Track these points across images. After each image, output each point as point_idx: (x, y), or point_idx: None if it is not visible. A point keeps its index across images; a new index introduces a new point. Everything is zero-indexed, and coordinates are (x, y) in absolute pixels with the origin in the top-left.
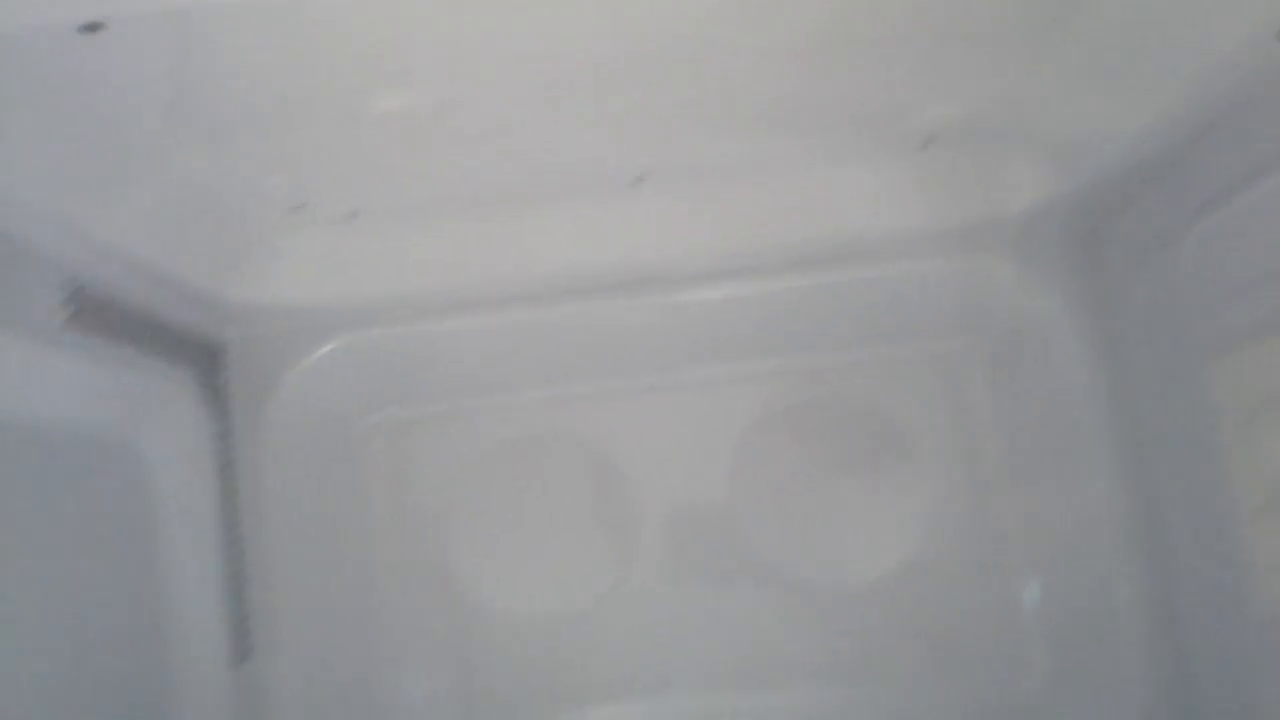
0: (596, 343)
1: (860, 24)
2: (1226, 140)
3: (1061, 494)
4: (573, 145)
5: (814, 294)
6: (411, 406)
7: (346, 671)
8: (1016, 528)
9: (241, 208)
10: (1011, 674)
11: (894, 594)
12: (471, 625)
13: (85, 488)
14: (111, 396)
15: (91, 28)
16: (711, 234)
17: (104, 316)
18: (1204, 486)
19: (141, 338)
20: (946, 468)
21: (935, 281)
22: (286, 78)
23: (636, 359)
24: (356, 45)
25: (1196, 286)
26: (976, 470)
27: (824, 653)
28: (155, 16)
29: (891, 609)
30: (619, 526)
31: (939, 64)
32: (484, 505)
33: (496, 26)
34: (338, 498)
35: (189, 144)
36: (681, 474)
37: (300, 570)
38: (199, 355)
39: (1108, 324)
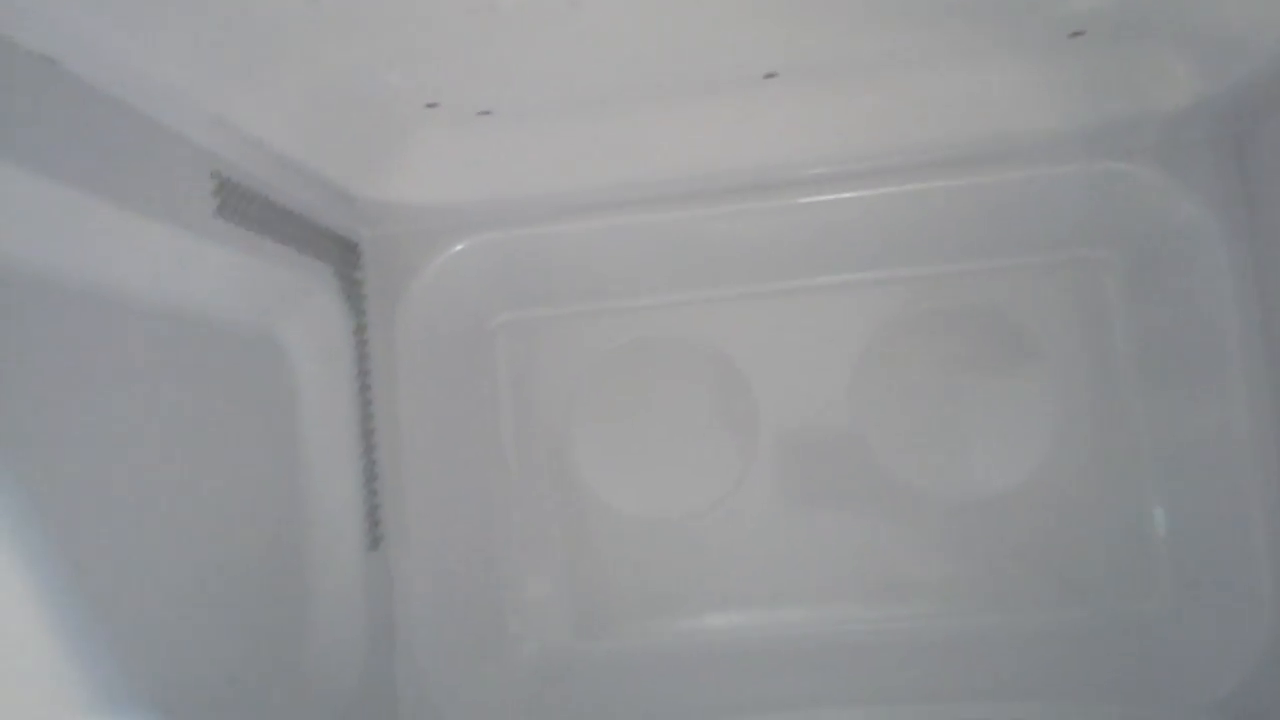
0: (721, 246)
1: None
2: None
3: (1197, 409)
4: (705, 39)
5: (945, 198)
6: (537, 308)
7: (470, 562)
8: (1147, 443)
9: (377, 105)
10: (1134, 594)
11: (1017, 508)
12: (589, 524)
13: (234, 376)
14: (256, 288)
15: None
16: (841, 135)
17: (248, 209)
18: None
19: (283, 232)
20: (1077, 379)
21: (1074, 186)
22: None
23: (761, 263)
24: None
25: None
26: (1108, 382)
27: (942, 568)
28: None
29: (1013, 524)
30: (739, 432)
31: None
32: (606, 406)
33: None
34: (464, 395)
35: (329, 38)
36: (804, 380)
37: (428, 465)
38: (337, 251)
39: (1254, 233)
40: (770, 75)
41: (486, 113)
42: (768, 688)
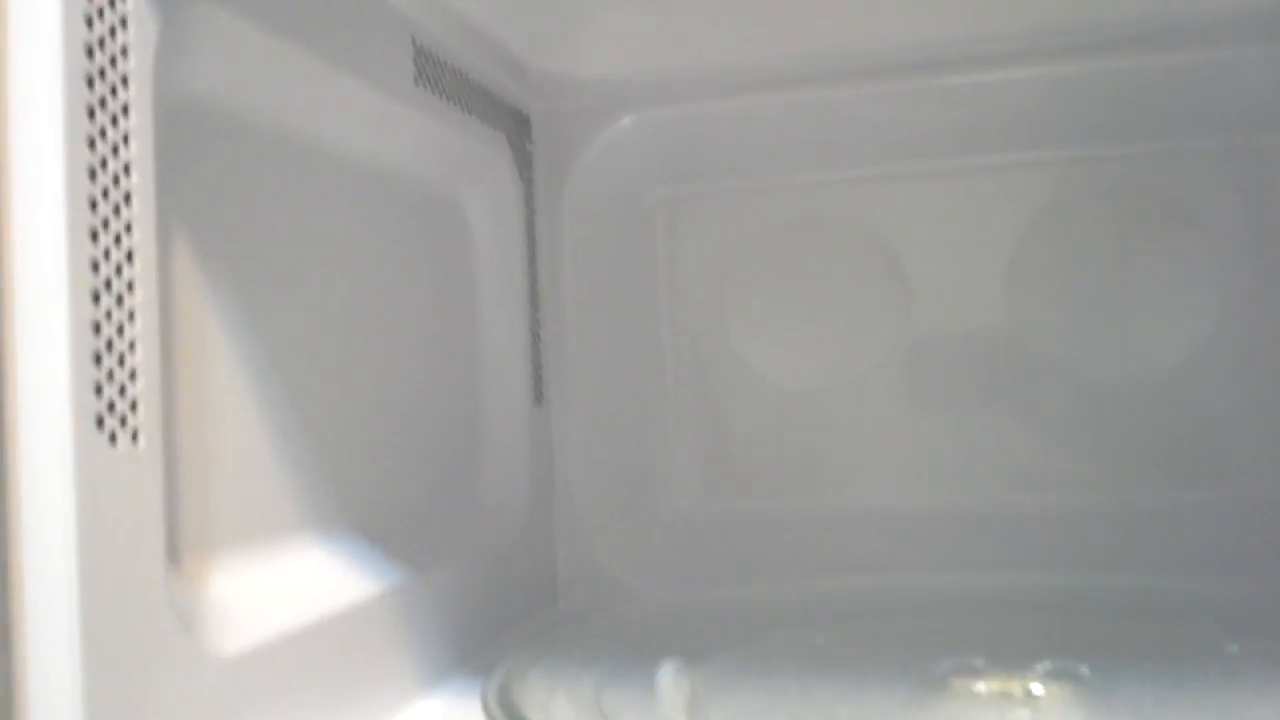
0: (880, 125)
1: None
2: None
3: None
4: None
5: (1113, 78)
6: (698, 183)
7: (624, 423)
8: None
9: None
10: (1270, 477)
11: (1169, 393)
12: (737, 393)
13: (421, 236)
14: (443, 154)
15: None
16: (1004, 10)
17: (440, 77)
18: None
19: (467, 101)
20: (1240, 268)
21: (1251, 69)
22: None
23: (920, 143)
24: None
25: None
26: (1272, 273)
27: (1086, 451)
28: None
29: (1164, 408)
30: (890, 307)
31: None
32: (759, 281)
33: None
34: (623, 267)
35: None
36: (960, 261)
37: (587, 330)
38: (511, 123)
39: None
40: None
41: None
42: (900, 553)
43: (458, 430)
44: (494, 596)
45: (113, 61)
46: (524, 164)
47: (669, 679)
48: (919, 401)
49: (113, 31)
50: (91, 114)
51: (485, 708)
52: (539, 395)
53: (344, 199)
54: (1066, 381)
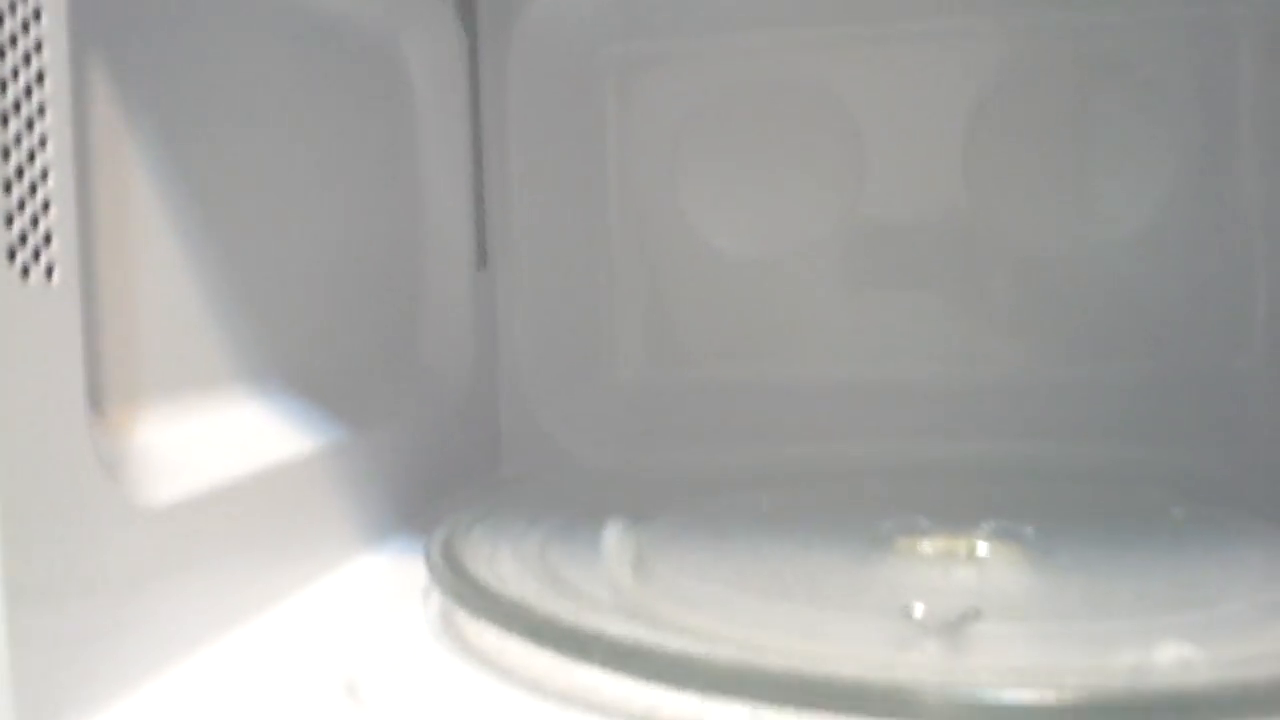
0: None
1: None
2: None
3: None
4: None
5: None
6: (651, 42)
7: (571, 288)
8: (1259, 210)
9: None
10: (1227, 350)
11: (1119, 264)
12: (687, 261)
13: (357, 86)
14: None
15: None
16: None
17: None
18: None
19: None
20: (1196, 141)
21: None
22: None
23: (880, 4)
24: None
25: None
26: (1228, 148)
27: (1037, 320)
28: None
29: (1114, 279)
30: (845, 173)
31: None
32: (713, 144)
33: None
34: (572, 125)
35: None
36: (916, 129)
37: (534, 191)
38: None
39: None
40: None
41: None
42: (844, 422)
43: (398, 290)
44: (436, 459)
45: None
46: (468, 15)
47: (614, 537)
48: (869, 272)
49: None
50: None
51: (429, 562)
52: (483, 258)
53: (277, 43)
54: (1016, 254)
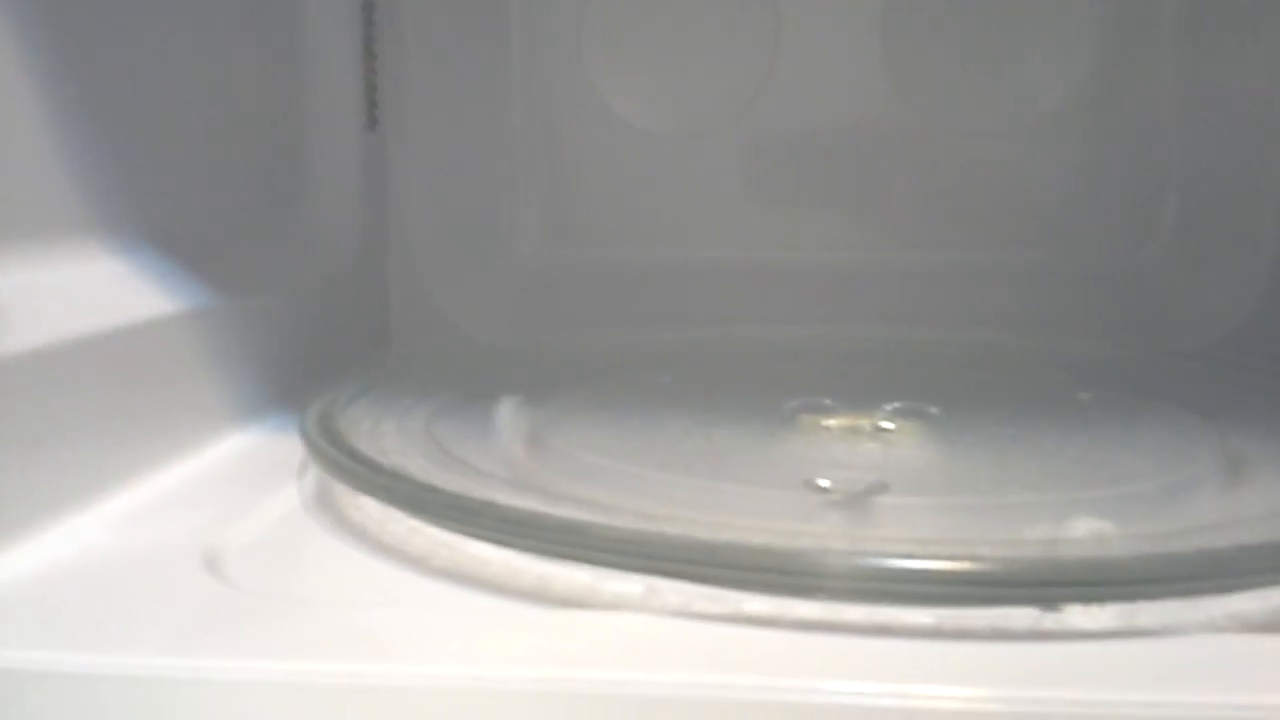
0: None
1: None
2: None
3: (1236, 55)
4: None
5: None
6: None
7: (468, 158)
8: (1177, 92)
9: None
10: (1136, 239)
11: (1026, 152)
12: (594, 135)
13: None
14: None
15: None
16: None
17: None
18: None
19: None
20: (1114, 18)
21: None
22: None
23: None
24: None
25: None
26: (1149, 27)
27: (945, 203)
28: None
29: (1022, 166)
30: (760, 45)
31: None
32: (622, 10)
33: None
34: None
35: None
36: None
37: (429, 52)
38: None
39: None
40: None
41: None
42: (749, 306)
43: (279, 150)
44: (319, 332)
45: None
46: None
47: (508, 413)
48: (777, 154)
49: None
50: None
51: (303, 432)
52: (372, 119)
53: None
54: (928, 138)
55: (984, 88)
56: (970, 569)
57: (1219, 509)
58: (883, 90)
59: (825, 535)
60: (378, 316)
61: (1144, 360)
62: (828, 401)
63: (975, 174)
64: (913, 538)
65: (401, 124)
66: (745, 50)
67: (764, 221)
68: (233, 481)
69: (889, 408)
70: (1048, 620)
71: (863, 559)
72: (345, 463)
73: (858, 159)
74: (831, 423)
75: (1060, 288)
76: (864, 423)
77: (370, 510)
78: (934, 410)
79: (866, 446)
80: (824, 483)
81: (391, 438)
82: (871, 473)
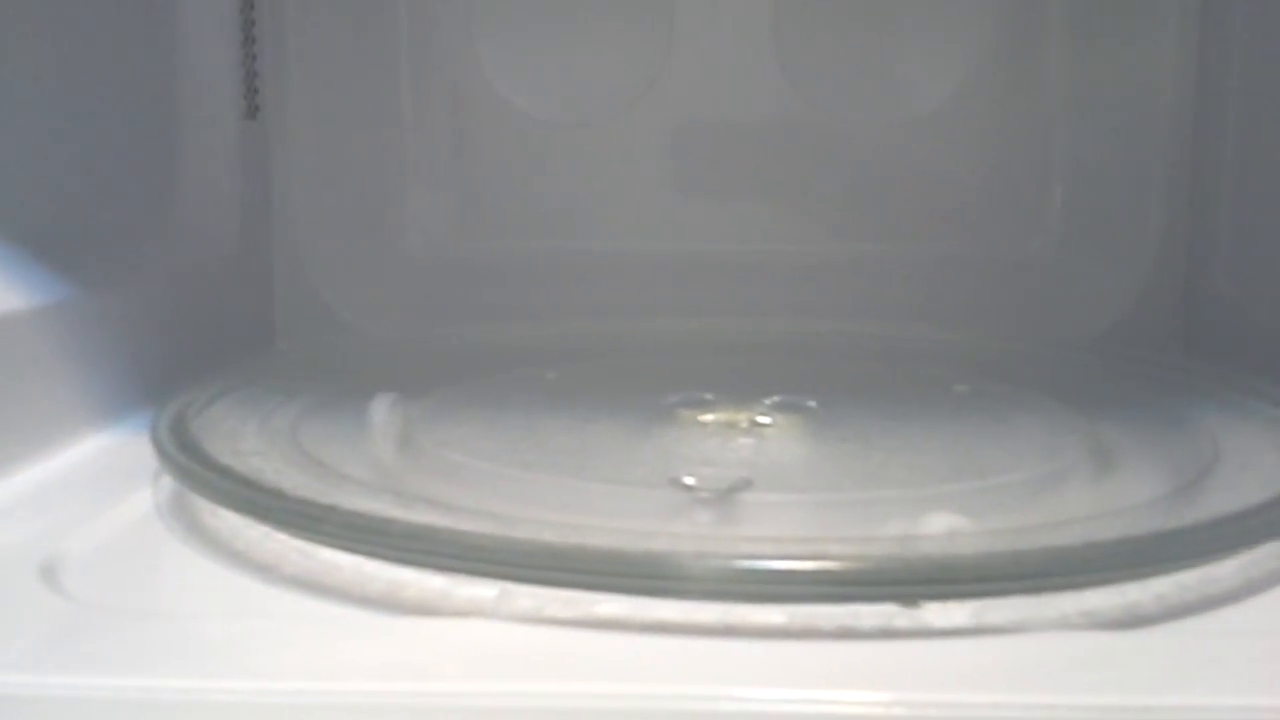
0: None
1: None
2: None
3: (1122, 52)
4: None
5: None
6: None
7: (354, 148)
8: (1063, 87)
9: None
10: (1024, 232)
11: (921, 138)
12: (486, 124)
13: None
14: None
15: None
16: None
17: None
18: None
19: None
20: (1003, 11)
21: None
22: None
23: None
24: None
25: None
26: (1036, 20)
27: (837, 195)
28: None
29: (915, 154)
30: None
31: None
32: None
33: None
34: None
35: None
36: None
37: (313, 35)
38: None
39: None
40: None
41: None
42: (642, 299)
43: (152, 139)
44: (194, 328)
45: None
46: None
47: (382, 411)
48: (670, 146)
49: None
50: None
51: (152, 434)
52: (253, 108)
53: None
54: (818, 131)
55: (872, 81)
56: (818, 568)
57: (1082, 502)
58: (777, 83)
59: (682, 535)
60: (261, 312)
61: (1027, 352)
62: (708, 396)
63: (869, 167)
64: (769, 536)
65: (284, 113)
66: (639, 40)
67: (665, 214)
68: (84, 486)
69: (768, 402)
70: (900, 618)
71: (711, 560)
72: (185, 464)
73: (756, 151)
74: (708, 418)
75: (955, 280)
76: (740, 418)
77: (226, 516)
78: (812, 404)
79: (739, 442)
80: (689, 480)
81: (252, 439)
82: (740, 469)
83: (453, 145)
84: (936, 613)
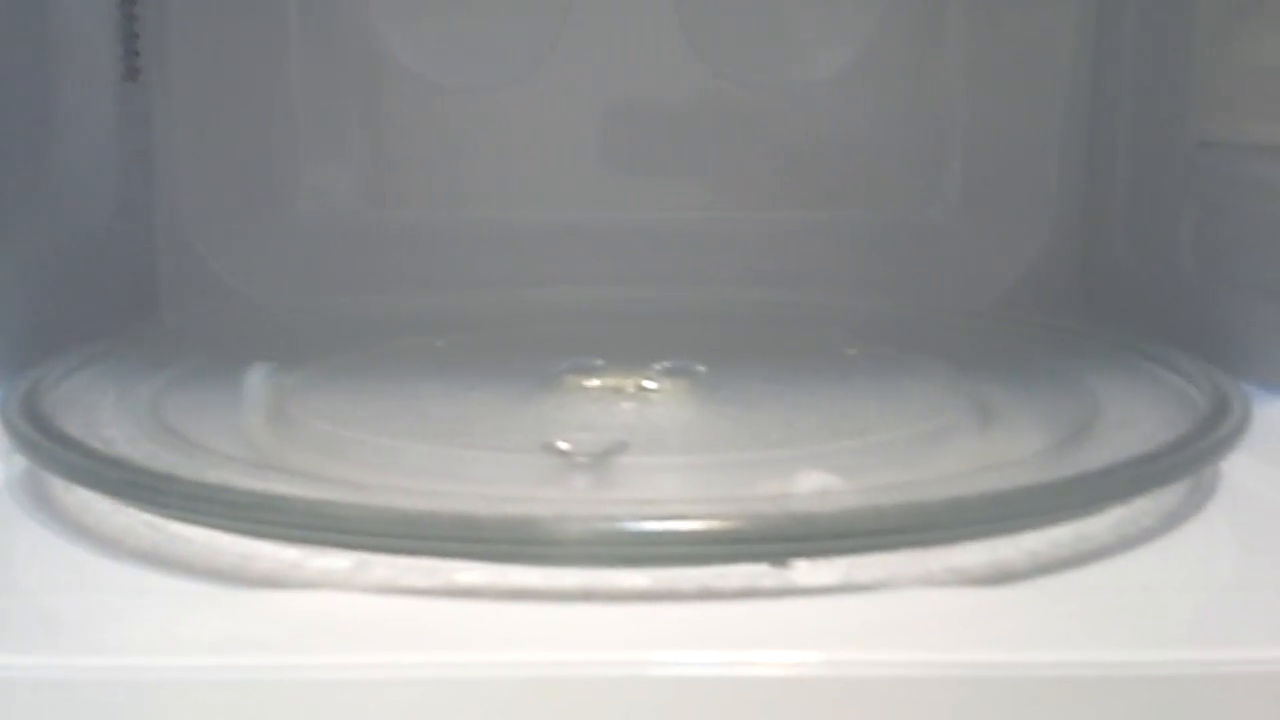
0: None
1: None
2: None
3: (1020, 20)
4: None
5: None
6: None
7: (243, 112)
8: (962, 50)
9: None
10: (923, 198)
11: (821, 104)
12: (380, 86)
13: None
14: None
15: None
16: None
17: None
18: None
19: None
20: None
21: None
22: None
23: None
24: None
25: None
26: None
27: (739, 162)
28: None
29: (814, 120)
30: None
31: None
32: None
33: None
34: None
35: None
36: None
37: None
38: None
39: None
40: None
41: None
42: (539, 268)
43: (18, 99)
44: (71, 301)
45: None
46: None
47: (256, 380)
48: (575, 112)
49: None
50: None
51: (2, 412)
52: (132, 70)
53: None
54: (715, 95)
55: (773, 47)
56: (679, 529)
57: (959, 460)
58: (680, 49)
59: (541, 499)
60: (144, 282)
61: (922, 316)
62: (599, 362)
63: (773, 134)
64: (639, 498)
65: (166, 75)
66: (538, 4)
67: (569, 182)
68: None
69: (657, 367)
70: (766, 579)
71: (570, 523)
72: (30, 436)
73: (661, 118)
74: (595, 383)
75: (858, 246)
76: (627, 383)
77: (78, 491)
78: (702, 369)
79: (621, 407)
80: (564, 445)
81: (109, 411)
82: (620, 433)
83: (350, 110)
84: (805, 572)
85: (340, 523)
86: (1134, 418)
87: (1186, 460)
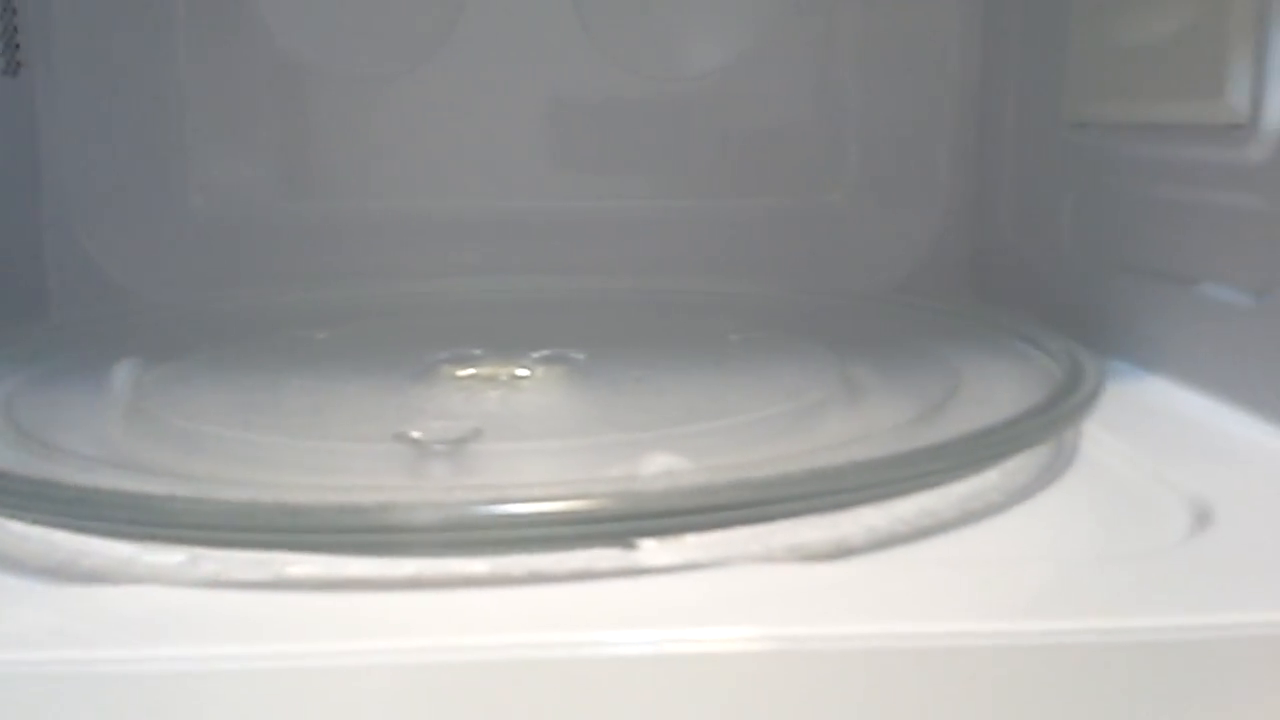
0: None
1: None
2: None
3: (909, 12)
4: None
5: None
6: None
7: (127, 105)
8: (854, 40)
9: None
10: (819, 186)
11: (715, 96)
12: (267, 78)
13: None
14: None
15: None
16: None
17: None
18: None
19: None
20: None
21: None
22: None
23: None
24: None
25: None
26: None
27: (638, 152)
28: None
29: (710, 111)
30: None
31: None
32: None
33: None
34: None
35: None
36: None
37: None
38: None
39: None
40: None
41: None
42: (430, 258)
43: None
44: None
45: None
46: None
47: (120, 377)
48: (468, 100)
49: None
50: None
51: None
52: (13, 64)
53: None
54: (609, 86)
55: (668, 37)
56: (509, 513)
57: (814, 439)
58: (577, 39)
59: (376, 487)
60: (32, 281)
61: (811, 302)
62: (478, 352)
63: (670, 124)
64: (484, 484)
65: (49, 69)
66: None
67: (465, 172)
68: None
69: (535, 355)
70: (602, 560)
71: (395, 510)
72: None
73: (559, 107)
74: (468, 372)
75: (756, 233)
76: (501, 372)
77: None
78: (580, 356)
79: (486, 395)
80: (416, 434)
81: None
82: (479, 421)
83: (250, 102)
84: (651, 553)
85: (165, 516)
86: (990, 395)
87: (1023, 434)
